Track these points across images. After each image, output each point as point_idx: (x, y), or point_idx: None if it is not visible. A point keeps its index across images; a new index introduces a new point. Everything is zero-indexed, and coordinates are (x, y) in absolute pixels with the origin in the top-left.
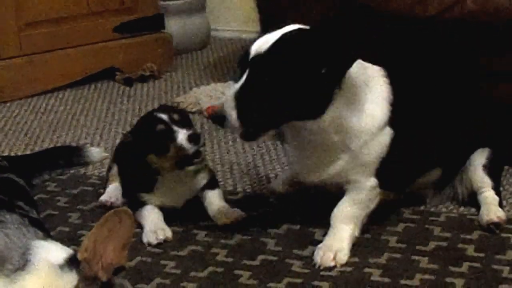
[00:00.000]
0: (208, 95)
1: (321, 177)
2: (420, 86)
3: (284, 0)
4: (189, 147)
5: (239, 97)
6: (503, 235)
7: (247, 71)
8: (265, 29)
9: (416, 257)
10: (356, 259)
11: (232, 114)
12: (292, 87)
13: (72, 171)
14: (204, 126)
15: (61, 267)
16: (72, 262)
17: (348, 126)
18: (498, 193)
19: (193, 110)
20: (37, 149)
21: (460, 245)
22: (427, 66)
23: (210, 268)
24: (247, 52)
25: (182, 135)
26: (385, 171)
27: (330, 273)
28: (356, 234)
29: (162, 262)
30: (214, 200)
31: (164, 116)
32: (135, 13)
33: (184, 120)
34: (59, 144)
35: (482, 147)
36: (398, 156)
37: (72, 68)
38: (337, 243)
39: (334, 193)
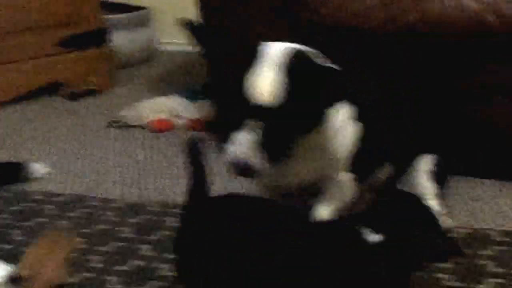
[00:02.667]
0: (152, 109)
1: (301, 175)
2: (370, 85)
3: (229, 15)
4: None
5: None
6: None
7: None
8: (208, 43)
9: None
10: None
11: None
12: (305, 120)
13: (14, 188)
14: (146, 141)
15: (1, 285)
16: (12, 280)
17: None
18: (441, 201)
19: (136, 124)
20: None
21: None
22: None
23: (154, 283)
24: (246, 100)
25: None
26: (357, 164)
27: None
28: None
29: (105, 277)
30: None
31: None
32: (79, 27)
33: None
34: (1, 161)
35: (428, 153)
36: (366, 149)
37: (15, 83)
38: None
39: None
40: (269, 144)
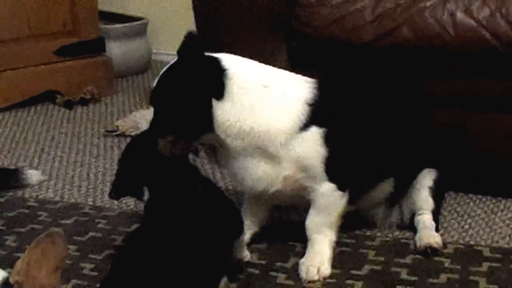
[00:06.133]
0: (148, 118)
1: (261, 185)
2: (358, 98)
3: (222, 25)
4: None
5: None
6: (436, 259)
7: None
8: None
9: (351, 281)
10: (291, 282)
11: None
12: (174, 111)
13: (9, 194)
14: None
15: None
16: (6, 285)
17: (247, 129)
18: (436, 217)
19: (132, 133)
20: None
21: (394, 269)
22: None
23: None
24: None
25: None
26: (336, 172)
27: None
28: (333, 239)
29: (97, 285)
30: None
31: None
32: (76, 36)
33: None
34: None
35: (430, 167)
36: (343, 156)
37: (12, 90)
38: (318, 257)
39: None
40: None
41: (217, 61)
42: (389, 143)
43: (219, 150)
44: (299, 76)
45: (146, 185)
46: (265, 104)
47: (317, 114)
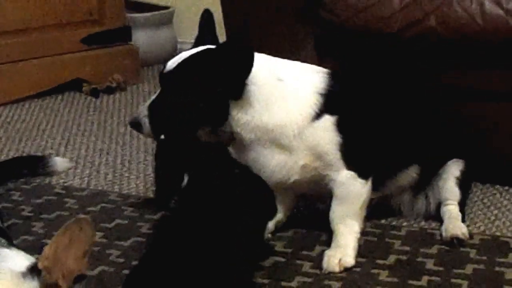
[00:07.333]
0: None
1: (278, 175)
2: (371, 86)
3: (250, 13)
4: None
5: (152, 107)
6: (462, 249)
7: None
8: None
9: (376, 271)
10: (316, 271)
11: (145, 121)
12: (191, 100)
13: (36, 181)
14: None
15: (23, 274)
16: (34, 270)
17: (262, 124)
18: (463, 208)
19: None
20: (2, 158)
21: (420, 259)
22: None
23: None
24: (164, 68)
25: None
26: (354, 159)
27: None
28: (358, 229)
29: (124, 272)
30: None
31: None
32: (103, 25)
33: None
34: (24, 154)
35: (456, 158)
36: (359, 143)
37: (39, 78)
38: (341, 247)
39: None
40: (155, 109)
41: None
42: (406, 131)
43: (232, 142)
44: (312, 66)
45: (187, 172)
46: (279, 98)
47: (329, 103)
